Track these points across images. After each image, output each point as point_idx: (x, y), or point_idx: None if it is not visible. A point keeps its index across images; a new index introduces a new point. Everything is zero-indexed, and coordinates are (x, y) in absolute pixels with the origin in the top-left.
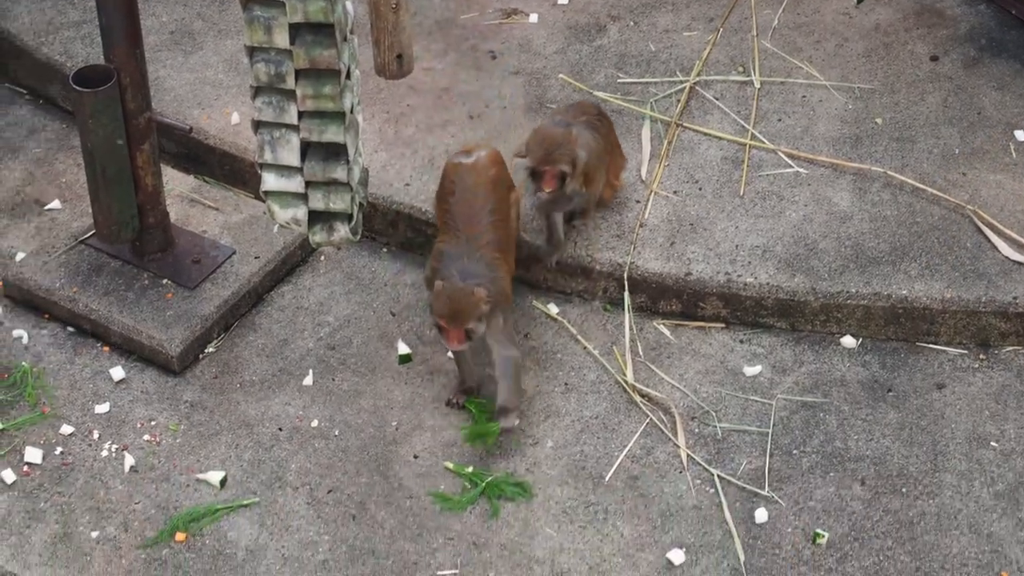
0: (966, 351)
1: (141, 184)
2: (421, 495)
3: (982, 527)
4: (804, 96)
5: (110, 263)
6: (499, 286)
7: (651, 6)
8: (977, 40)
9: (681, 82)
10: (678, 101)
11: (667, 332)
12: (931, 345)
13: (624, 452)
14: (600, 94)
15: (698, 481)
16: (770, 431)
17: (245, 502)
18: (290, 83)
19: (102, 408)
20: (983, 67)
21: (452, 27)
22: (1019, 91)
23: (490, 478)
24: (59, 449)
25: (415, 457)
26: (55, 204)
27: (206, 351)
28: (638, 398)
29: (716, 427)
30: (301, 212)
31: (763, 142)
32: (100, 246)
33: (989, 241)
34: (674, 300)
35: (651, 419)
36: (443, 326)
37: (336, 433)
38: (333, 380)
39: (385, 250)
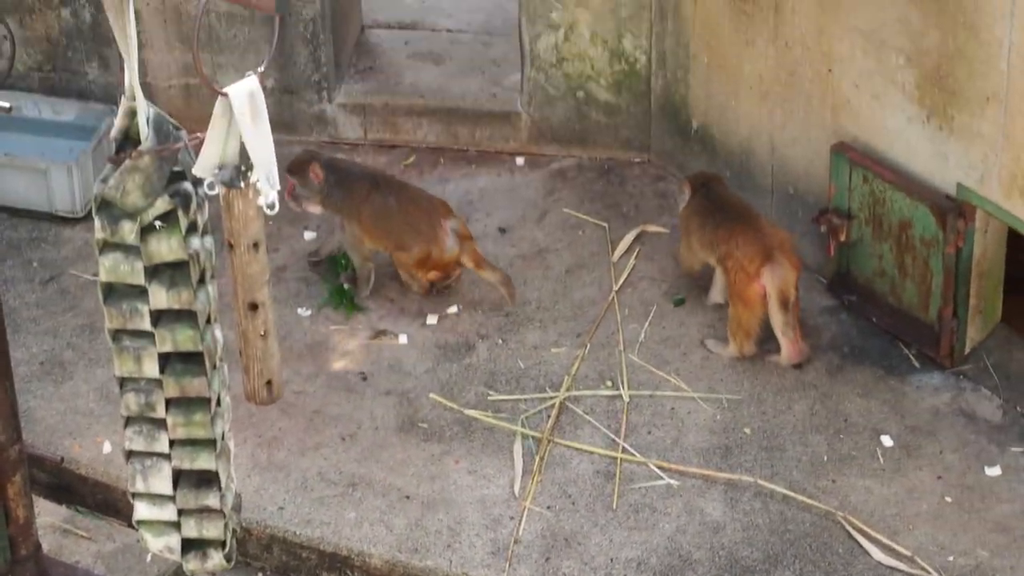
0: None
1: (12, 516)
2: None
3: None
4: (673, 408)
5: None
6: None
7: (519, 324)
8: (840, 348)
9: (551, 398)
10: (549, 416)
11: None
12: None
13: None
14: (471, 412)
15: None
16: None
17: None
18: (160, 412)
19: None
20: (847, 374)
21: (322, 350)
22: (883, 397)
23: None
24: None
25: None
26: None
27: None
28: None
29: None
30: (174, 540)
31: (634, 455)
32: None
33: (860, 546)
34: None
35: None
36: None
37: None
38: None
39: (260, 574)
